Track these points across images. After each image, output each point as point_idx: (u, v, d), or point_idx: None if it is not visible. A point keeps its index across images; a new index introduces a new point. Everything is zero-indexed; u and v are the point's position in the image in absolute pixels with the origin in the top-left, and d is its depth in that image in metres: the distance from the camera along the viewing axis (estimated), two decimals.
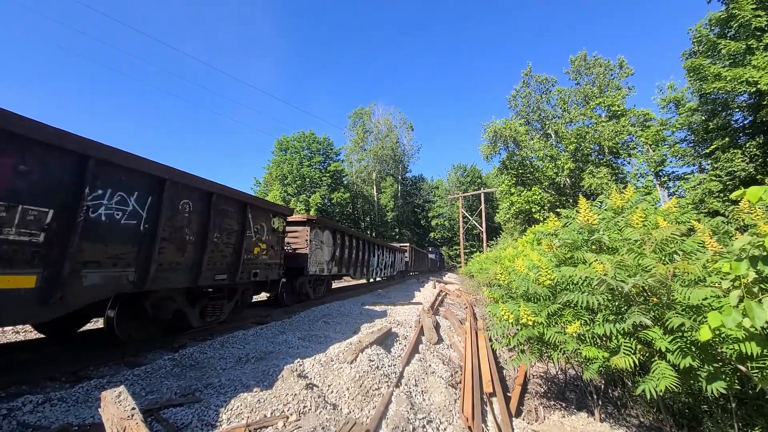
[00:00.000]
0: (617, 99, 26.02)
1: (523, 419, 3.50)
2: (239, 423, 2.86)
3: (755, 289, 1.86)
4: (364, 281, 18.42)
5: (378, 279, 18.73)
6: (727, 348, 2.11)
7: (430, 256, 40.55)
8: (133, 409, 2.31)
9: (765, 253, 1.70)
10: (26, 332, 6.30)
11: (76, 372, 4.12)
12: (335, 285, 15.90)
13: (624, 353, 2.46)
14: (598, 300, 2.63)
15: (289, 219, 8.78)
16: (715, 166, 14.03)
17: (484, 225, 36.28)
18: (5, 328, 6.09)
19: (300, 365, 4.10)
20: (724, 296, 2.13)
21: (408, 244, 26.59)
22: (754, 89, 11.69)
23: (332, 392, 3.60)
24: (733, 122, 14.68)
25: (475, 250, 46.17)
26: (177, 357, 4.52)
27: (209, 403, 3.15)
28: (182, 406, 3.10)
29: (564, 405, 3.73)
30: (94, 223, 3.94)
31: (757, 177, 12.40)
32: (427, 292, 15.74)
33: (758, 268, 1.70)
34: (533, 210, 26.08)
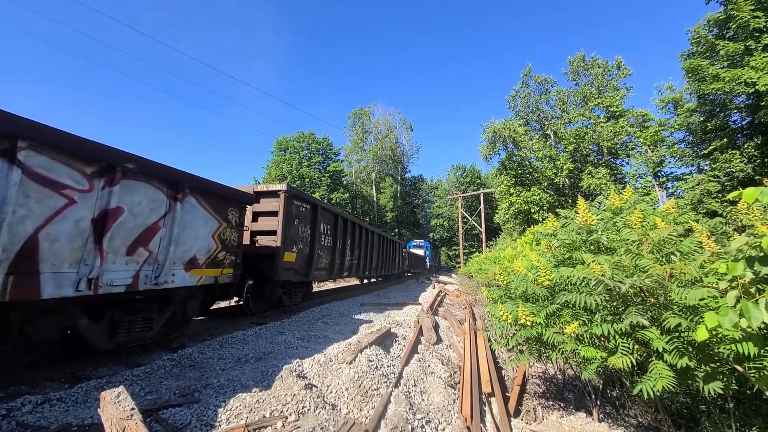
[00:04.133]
0: (616, 99, 26.02)
1: (522, 419, 3.51)
2: (238, 423, 2.86)
3: (752, 290, 1.86)
4: None
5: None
6: (724, 348, 2.12)
7: (415, 251, 31.38)
8: (132, 409, 2.31)
9: (762, 254, 1.71)
10: None
11: (75, 372, 4.12)
12: None
13: (622, 353, 2.47)
14: (596, 300, 2.63)
15: None
16: (714, 166, 14.05)
17: (483, 225, 36.27)
18: None
19: (299, 365, 4.11)
20: (721, 297, 2.14)
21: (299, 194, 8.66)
22: (753, 90, 11.72)
23: (331, 392, 3.60)
24: (731, 123, 14.71)
25: (474, 250, 46.11)
26: (176, 357, 4.52)
27: (208, 404, 3.15)
28: (181, 407, 3.11)
29: (562, 405, 3.74)
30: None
31: (755, 178, 12.42)
32: (426, 293, 15.76)
33: (755, 268, 1.70)
34: (532, 210, 26.12)
